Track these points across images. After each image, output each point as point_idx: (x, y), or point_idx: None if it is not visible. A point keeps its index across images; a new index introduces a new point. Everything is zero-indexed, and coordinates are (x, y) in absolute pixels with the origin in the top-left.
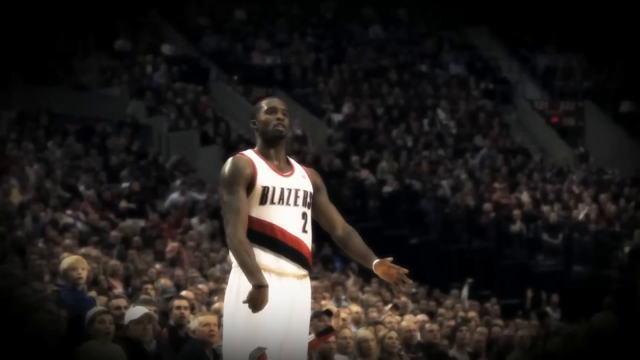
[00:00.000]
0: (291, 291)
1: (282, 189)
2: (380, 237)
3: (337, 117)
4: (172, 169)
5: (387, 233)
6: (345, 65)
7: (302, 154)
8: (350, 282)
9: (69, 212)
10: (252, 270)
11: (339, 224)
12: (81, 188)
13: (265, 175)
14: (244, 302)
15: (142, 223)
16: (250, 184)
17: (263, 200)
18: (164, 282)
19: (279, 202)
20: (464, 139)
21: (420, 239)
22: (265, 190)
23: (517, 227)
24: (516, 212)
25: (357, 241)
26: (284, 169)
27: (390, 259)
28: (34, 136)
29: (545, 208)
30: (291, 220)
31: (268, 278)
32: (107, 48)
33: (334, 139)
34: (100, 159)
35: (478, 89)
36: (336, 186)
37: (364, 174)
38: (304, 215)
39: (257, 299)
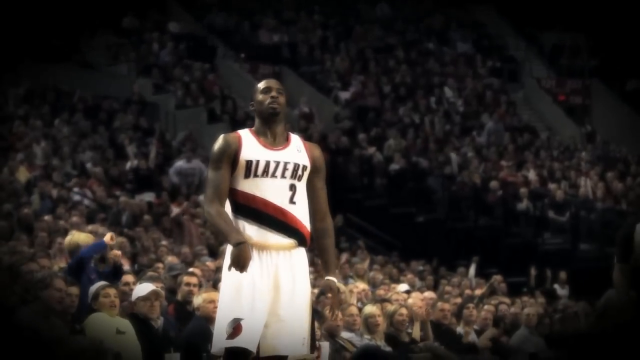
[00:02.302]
0: (274, 263)
1: (268, 162)
2: (387, 214)
3: (344, 95)
4: (180, 145)
5: (394, 211)
6: (352, 43)
7: (309, 132)
8: (357, 260)
9: (76, 189)
10: (229, 232)
11: (321, 216)
12: (88, 165)
13: (251, 149)
14: (229, 266)
15: (150, 197)
16: (235, 160)
17: (247, 174)
18: (171, 259)
19: (262, 175)
20: (471, 117)
21: (427, 217)
22: (249, 164)
23: (523, 205)
24: (523, 190)
25: (327, 242)
26: (277, 143)
27: (335, 286)
28: (41, 113)
29: (552, 186)
30: (276, 191)
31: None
32: (115, 26)
33: (341, 117)
34: (107, 136)
35: (485, 67)
36: (343, 164)
37: (371, 151)
38: (292, 186)
39: (239, 256)
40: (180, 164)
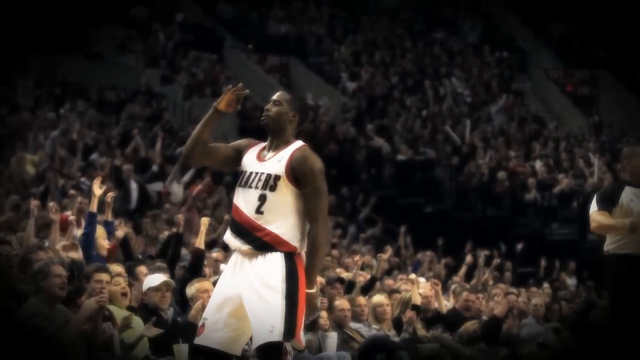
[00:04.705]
0: (243, 266)
1: (251, 173)
2: (395, 205)
3: (351, 86)
4: (187, 124)
5: (401, 201)
6: (360, 33)
7: (316, 123)
8: (364, 250)
9: (83, 179)
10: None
11: (308, 223)
12: (95, 156)
13: (246, 161)
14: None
15: (158, 187)
16: (239, 165)
17: (237, 184)
18: None
19: (243, 185)
20: (479, 107)
21: (435, 208)
22: (239, 174)
23: (531, 195)
24: (531, 181)
25: (309, 250)
26: (268, 155)
27: (311, 301)
28: (49, 104)
29: (559, 176)
30: (247, 201)
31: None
32: (122, 17)
33: (348, 107)
34: (115, 127)
35: (493, 57)
36: (350, 154)
37: (379, 142)
38: (262, 197)
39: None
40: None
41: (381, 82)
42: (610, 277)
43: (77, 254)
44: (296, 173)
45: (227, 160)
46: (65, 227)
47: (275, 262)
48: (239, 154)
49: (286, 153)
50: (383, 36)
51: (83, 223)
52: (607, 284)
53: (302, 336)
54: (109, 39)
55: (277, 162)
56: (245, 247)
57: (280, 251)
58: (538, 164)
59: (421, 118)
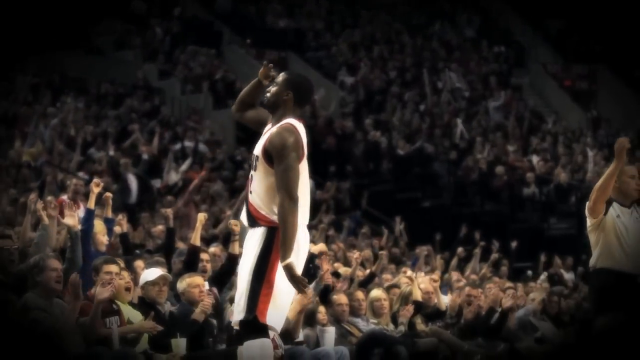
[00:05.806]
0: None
1: (253, 154)
2: (392, 199)
3: (349, 80)
4: (187, 115)
5: (399, 196)
6: (358, 28)
7: (314, 117)
8: (363, 245)
9: (81, 174)
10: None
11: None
12: (92, 150)
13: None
14: None
15: (157, 183)
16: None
17: None
18: (177, 244)
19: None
20: (477, 102)
21: (433, 202)
22: None
23: (530, 190)
24: (529, 175)
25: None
26: (266, 134)
27: (287, 273)
28: (47, 99)
29: (557, 171)
30: (249, 180)
31: None
32: (121, 12)
33: (346, 102)
34: (113, 121)
35: (491, 52)
36: (349, 149)
37: (377, 136)
38: (251, 177)
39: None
40: (187, 143)
41: (379, 77)
42: (595, 291)
43: (73, 221)
44: (268, 149)
45: (259, 121)
46: (63, 211)
47: (257, 238)
48: (264, 122)
49: (268, 133)
50: (381, 30)
51: (81, 206)
52: (591, 298)
53: (267, 314)
54: (108, 34)
55: (261, 142)
56: (246, 222)
57: (264, 227)
58: (536, 159)
59: (419, 112)
